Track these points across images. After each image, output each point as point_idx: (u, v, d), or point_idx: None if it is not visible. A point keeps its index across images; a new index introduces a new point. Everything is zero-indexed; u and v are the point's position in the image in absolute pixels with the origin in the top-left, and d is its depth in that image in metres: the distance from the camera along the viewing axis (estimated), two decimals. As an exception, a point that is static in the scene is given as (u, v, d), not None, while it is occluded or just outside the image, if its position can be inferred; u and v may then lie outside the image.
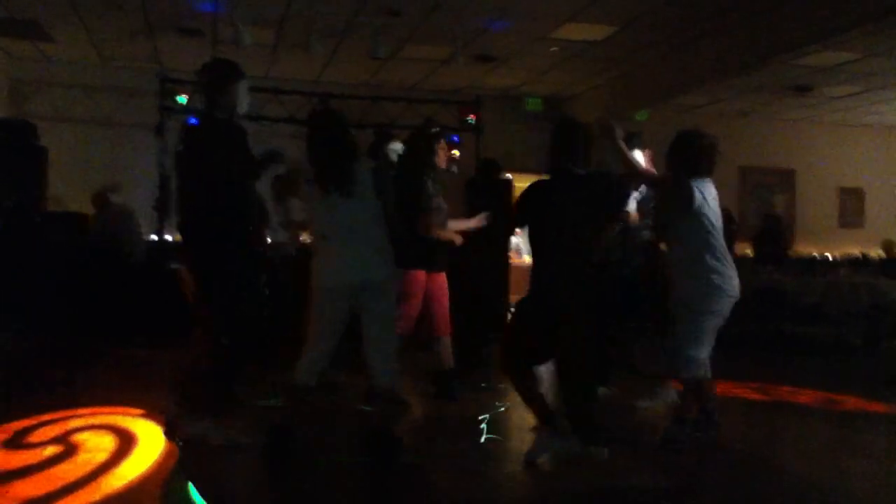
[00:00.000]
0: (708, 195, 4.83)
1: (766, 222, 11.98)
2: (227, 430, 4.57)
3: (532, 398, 4.51)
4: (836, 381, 7.72)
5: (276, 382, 5.14)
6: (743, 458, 4.87)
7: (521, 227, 4.72)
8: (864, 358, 9.12)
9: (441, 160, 5.92)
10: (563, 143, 4.55)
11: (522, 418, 5.31)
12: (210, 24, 9.74)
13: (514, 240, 11.41)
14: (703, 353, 4.81)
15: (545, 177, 4.62)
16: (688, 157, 4.86)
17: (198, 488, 3.76)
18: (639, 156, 5.71)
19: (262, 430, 4.46)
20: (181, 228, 4.74)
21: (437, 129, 6.14)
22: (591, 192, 4.49)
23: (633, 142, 5.81)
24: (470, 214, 6.49)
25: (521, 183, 11.64)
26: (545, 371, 5.21)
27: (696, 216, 4.76)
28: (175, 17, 9.66)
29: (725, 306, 4.79)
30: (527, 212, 4.63)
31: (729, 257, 4.85)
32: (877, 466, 4.81)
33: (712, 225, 4.80)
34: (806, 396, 6.97)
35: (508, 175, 10.62)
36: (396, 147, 6.32)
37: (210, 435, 4.52)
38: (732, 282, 4.80)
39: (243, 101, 4.73)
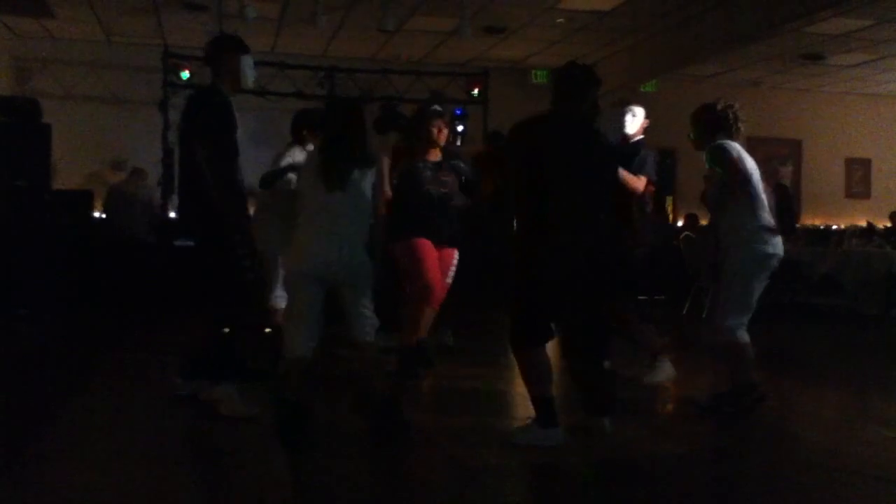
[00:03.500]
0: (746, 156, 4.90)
1: (776, 193, 11.88)
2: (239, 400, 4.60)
3: (537, 380, 4.22)
4: (851, 350, 7.71)
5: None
6: (757, 426, 4.84)
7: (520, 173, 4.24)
8: (878, 328, 9.09)
9: (439, 139, 5.84)
10: (577, 85, 4.24)
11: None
12: (215, -3, 9.66)
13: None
14: (746, 318, 4.84)
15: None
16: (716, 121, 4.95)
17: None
18: (637, 120, 5.85)
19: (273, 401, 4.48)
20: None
21: (437, 108, 6.15)
22: (602, 139, 4.31)
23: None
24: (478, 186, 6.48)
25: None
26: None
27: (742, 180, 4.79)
28: (180, -8, 9.59)
29: (771, 267, 4.81)
30: (528, 157, 4.13)
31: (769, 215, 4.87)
32: (892, 433, 4.79)
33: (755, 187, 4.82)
34: (821, 366, 6.96)
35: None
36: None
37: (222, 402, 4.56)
38: (776, 239, 4.81)
39: (248, 76, 4.73)
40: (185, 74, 10.38)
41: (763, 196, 4.86)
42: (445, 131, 5.91)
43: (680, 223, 12.30)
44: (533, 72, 13.15)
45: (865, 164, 15.18)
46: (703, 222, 10.78)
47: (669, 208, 12.90)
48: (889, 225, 12.78)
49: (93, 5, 10.04)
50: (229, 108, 4.65)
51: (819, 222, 14.41)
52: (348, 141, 4.24)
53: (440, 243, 5.85)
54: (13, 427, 4.45)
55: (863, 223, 13.20)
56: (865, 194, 15.15)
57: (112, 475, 3.69)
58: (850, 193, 15.16)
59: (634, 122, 5.86)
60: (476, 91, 11.57)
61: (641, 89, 12.39)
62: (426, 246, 5.72)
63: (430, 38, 11.46)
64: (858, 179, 15.21)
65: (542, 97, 13.89)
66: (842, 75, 13.31)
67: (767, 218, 4.83)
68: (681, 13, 10.17)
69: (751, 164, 4.92)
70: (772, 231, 4.81)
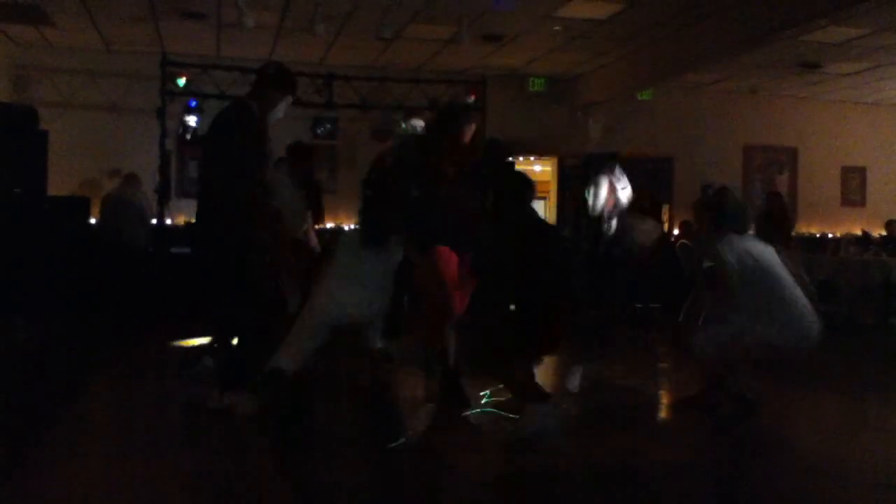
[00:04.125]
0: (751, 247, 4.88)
1: (769, 201, 11.93)
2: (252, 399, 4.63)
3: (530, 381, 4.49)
4: (849, 358, 7.71)
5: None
6: (756, 432, 4.86)
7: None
8: (876, 336, 9.09)
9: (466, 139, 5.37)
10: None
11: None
12: (213, 6, 9.67)
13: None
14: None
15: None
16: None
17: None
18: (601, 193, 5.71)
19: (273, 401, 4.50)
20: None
21: (467, 105, 5.87)
22: None
23: (609, 164, 5.76)
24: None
25: (523, 166, 11.68)
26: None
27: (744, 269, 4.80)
28: (178, 0, 9.59)
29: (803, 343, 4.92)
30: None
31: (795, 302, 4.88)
32: (890, 440, 4.81)
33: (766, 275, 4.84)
34: (818, 373, 6.96)
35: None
36: (418, 124, 6.31)
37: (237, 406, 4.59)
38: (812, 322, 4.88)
39: (280, 113, 4.94)
40: (182, 82, 10.41)
41: (790, 281, 4.87)
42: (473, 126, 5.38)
43: (676, 231, 12.33)
44: (530, 79, 13.17)
45: (861, 172, 15.22)
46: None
47: (665, 216, 12.90)
48: (885, 233, 12.83)
49: (91, 14, 10.06)
50: (249, 122, 4.72)
51: (815, 230, 14.46)
52: (385, 209, 4.70)
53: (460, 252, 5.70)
54: (13, 427, 4.46)
55: (858, 231, 13.26)
56: (861, 202, 15.18)
57: (112, 475, 3.70)
58: (846, 201, 15.19)
59: (599, 195, 5.72)
60: (473, 98, 11.62)
61: (639, 97, 12.45)
62: (446, 257, 5.25)
63: (429, 46, 11.49)
64: (854, 187, 15.26)
65: (539, 105, 13.97)
66: (839, 83, 13.35)
67: (801, 298, 4.85)
68: (678, 21, 10.21)
69: (763, 255, 4.89)
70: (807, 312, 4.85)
